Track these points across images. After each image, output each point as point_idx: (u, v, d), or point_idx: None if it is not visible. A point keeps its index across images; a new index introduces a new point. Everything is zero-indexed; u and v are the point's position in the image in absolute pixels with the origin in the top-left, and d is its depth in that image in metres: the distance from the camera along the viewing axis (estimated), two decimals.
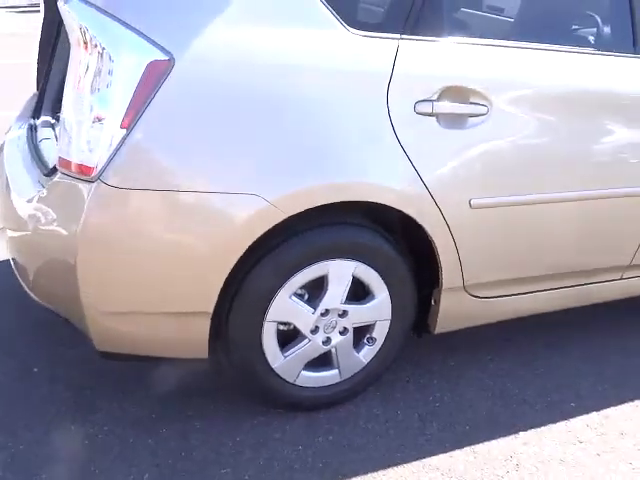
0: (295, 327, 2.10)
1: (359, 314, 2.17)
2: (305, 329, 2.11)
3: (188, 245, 1.85)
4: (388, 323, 2.23)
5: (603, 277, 2.55)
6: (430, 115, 2.03)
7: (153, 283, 1.88)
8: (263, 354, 2.08)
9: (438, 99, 2.02)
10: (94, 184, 1.79)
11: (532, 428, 2.23)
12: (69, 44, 1.93)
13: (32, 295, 2.14)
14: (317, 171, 1.92)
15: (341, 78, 1.93)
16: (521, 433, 2.21)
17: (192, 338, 2.00)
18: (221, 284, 1.92)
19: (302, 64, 1.89)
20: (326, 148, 1.92)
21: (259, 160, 1.85)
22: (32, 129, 2.62)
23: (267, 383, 2.13)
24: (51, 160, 2.25)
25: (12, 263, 2.26)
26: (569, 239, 2.37)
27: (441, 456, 2.09)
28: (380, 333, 2.23)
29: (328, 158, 1.93)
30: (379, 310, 2.19)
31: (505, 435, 2.19)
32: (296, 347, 2.13)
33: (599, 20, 2.30)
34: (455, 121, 2.06)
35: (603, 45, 2.32)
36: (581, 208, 2.32)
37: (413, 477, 2.00)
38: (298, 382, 2.17)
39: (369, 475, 2.00)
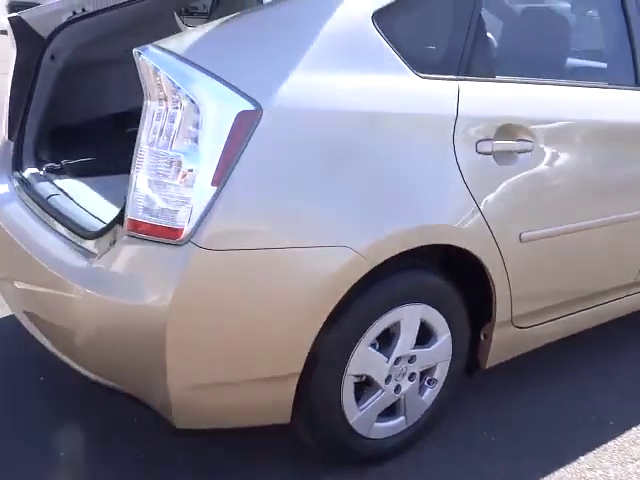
0: (369, 378, 2.03)
1: (426, 357, 2.13)
2: (380, 379, 2.04)
3: (283, 304, 1.74)
4: (448, 363, 2.20)
5: (625, 292, 2.69)
6: (489, 154, 2.04)
7: (247, 348, 1.75)
8: (342, 410, 1.98)
9: (495, 138, 2.05)
10: (184, 247, 1.64)
11: (588, 451, 2.29)
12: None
13: (77, 367, 1.91)
14: (398, 217, 1.87)
15: (414, 122, 1.91)
16: (581, 458, 2.26)
17: (278, 403, 1.87)
18: (311, 342, 1.81)
19: (380, 111, 1.84)
20: (405, 193, 1.89)
21: (345, 210, 1.79)
22: (24, 184, 2.36)
23: (343, 439, 2.04)
24: (82, 220, 2.04)
25: (36, 330, 2.04)
26: (604, 261, 2.48)
27: None
28: (441, 374, 2.20)
29: (407, 203, 1.89)
30: (442, 351, 2.16)
31: (568, 462, 2.23)
32: (371, 399, 2.05)
33: (611, 57, 2.44)
34: (507, 158, 2.09)
35: (615, 80, 2.47)
36: (613, 231, 2.44)
37: None
38: (371, 435, 2.09)
39: None
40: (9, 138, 2.63)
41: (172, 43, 1.68)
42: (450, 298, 2.12)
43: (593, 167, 2.32)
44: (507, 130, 2.08)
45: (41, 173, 2.46)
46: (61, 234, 2.02)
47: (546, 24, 2.41)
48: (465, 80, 2.01)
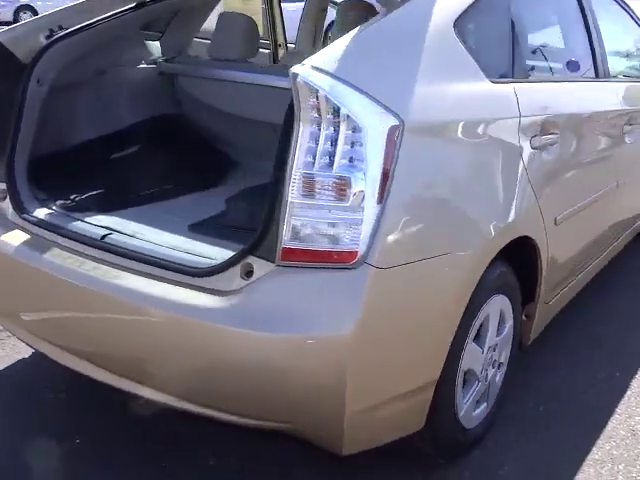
0: (470, 371, 2.11)
1: (502, 344, 2.27)
2: (479, 371, 2.14)
3: (439, 311, 1.80)
4: (510, 346, 2.36)
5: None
6: (537, 148, 2.23)
7: (412, 359, 1.78)
8: (455, 406, 2.05)
9: (540, 133, 2.24)
10: (360, 269, 1.61)
11: (617, 402, 2.57)
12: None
13: (193, 408, 1.78)
14: (500, 216, 2.00)
15: (500, 126, 2.05)
16: (617, 410, 2.53)
17: (421, 410, 1.90)
18: (449, 345, 1.87)
19: (481, 117, 1.97)
20: (501, 193, 2.02)
21: (472, 214, 1.88)
22: (45, 226, 2.09)
23: (455, 435, 2.11)
24: (170, 256, 1.87)
25: (107, 374, 1.88)
26: (609, 221, 2.94)
27: (594, 450, 2.31)
28: (505, 357, 2.35)
29: (504, 202, 2.03)
30: (508, 336, 2.32)
31: (610, 415, 2.50)
32: (471, 390, 2.15)
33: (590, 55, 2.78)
34: (546, 150, 2.30)
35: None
36: (612, 196, 2.86)
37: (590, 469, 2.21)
38: (469, 425, 2.18)
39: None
40: None
41: (320, 62, 1.62)
42: (515, 286, 2.27)
43: (598, 148, 2.66)
44: (545, 125, 2.28)
45: (55, 213, 2.18)
46: (150, 274, 1.84)
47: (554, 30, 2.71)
48: (516, 82, 2.18)
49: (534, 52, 2.51)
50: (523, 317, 2.49)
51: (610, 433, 2.42)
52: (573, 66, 2.64)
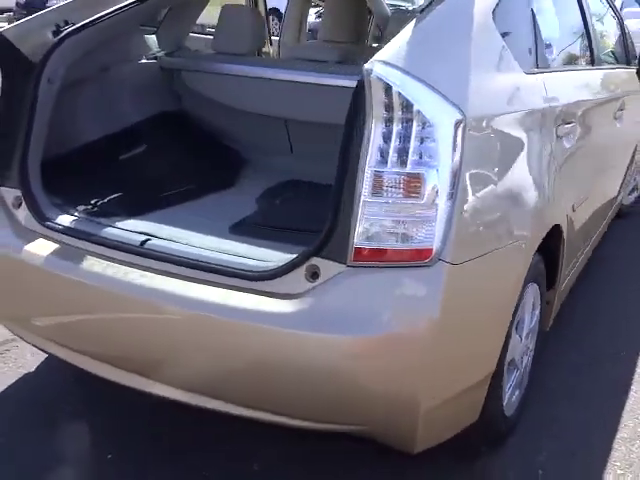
0: (512, 360, 2.14)
1: (532, 331, 2.30)
2: (519, 359, 2.17)
3: (503, 302, 1.83)
4: (536, 332, 2.40)
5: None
6: (561, 137, 2.27)
7: (479, 352, 1.78)
8: (501, 397, 2.07)
9: (562, 122, 2.27)
10: (435, 267, 1.60)
11: (630, 381, 2.66)
12: None
13: (254, 414, 1.75)
14: (542, 205, 2.02)
15: (535, 116, 2.06)
16: (632, 387, 2.62)
17: (478, 403, 1.91)
18: (505, 337, 1.89)
19: (521, 109, 1.99)
20: (540, 183, 2.03)
21: (523, 205, 1.90)
22: (73, 234, 1.98)
23: (499, 424, 2.13)
24: (221, 260, 1.80)
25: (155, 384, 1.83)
26: (604, 201, 3.03)
27: (620, 428, 2.38)
28: (533, 344, 2.39)
29: (543, 192, 2.04)
30: (536, 323, 2.35)
31: (626, 393, 2.58)
32: (512, 379, 2.17)
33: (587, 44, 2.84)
34: (565, 139, 2.34)
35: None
36: (608, 178, 3.02)
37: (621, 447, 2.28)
38: (509, 413, 2.21)
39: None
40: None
41: (390, 57, 1.58)
42: (543, 273, 2.31)
43: (600, 133, 2.73)
44: (566, 114, 2.32)
45: (80, 219, 2.07)
46: (202, 279, 1.77)
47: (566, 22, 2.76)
48: (541, 73, 2.21)
49: (548, 42, 2.54)
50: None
51: (631, 411, 2.50)
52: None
